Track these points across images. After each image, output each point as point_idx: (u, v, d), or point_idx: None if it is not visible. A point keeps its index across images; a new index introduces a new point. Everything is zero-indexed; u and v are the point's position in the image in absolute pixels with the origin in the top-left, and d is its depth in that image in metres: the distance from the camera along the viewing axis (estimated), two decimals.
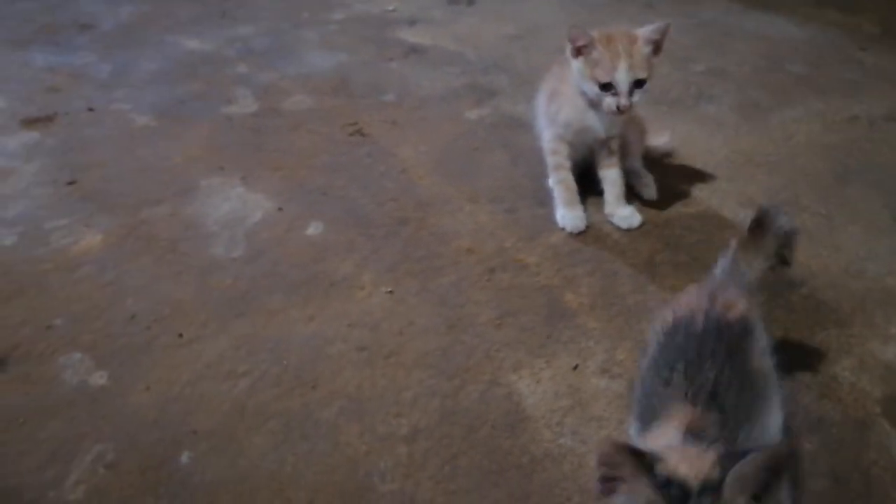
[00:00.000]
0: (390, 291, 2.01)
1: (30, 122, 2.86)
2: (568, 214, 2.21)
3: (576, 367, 1.75)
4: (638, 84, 2.02)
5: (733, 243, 1.59)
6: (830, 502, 1.47)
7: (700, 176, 2.49)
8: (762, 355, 1.41)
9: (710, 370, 1.28)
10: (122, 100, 3.04)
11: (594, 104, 2.12)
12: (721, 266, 1.59)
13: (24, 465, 1.60)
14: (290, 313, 1.93)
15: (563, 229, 2.21)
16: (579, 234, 2.20)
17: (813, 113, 2.90)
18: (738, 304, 1.40)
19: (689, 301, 1.43)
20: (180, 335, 1.86)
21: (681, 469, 1.01)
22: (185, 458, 1.60)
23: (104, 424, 1.68)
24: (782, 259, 1.59)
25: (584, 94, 2.11)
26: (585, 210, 2.27)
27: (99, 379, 1.77)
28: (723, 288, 1.45)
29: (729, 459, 1.03)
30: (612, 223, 2.25)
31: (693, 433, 1.20)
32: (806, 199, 2.37)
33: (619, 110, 2.03)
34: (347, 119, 2.88)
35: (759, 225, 1.58)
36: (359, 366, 1.78)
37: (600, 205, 2.30)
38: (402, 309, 1.95)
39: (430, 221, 2.30)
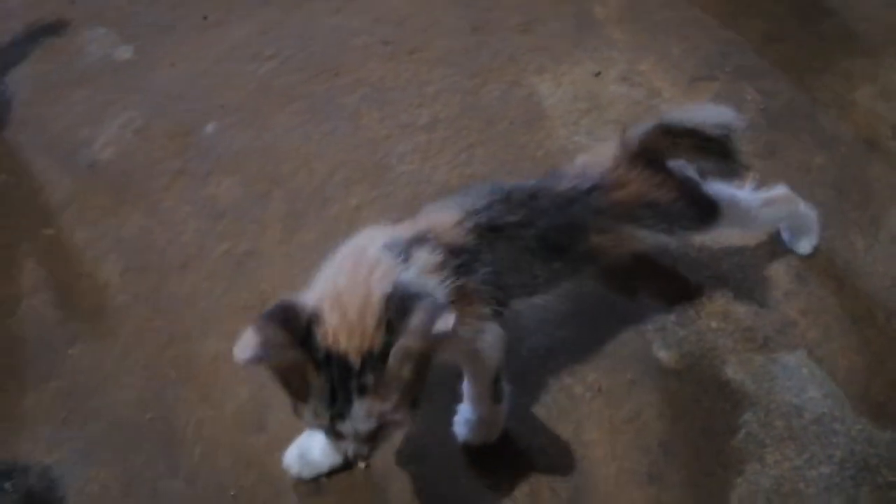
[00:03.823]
0: None
1: None
2: None
3: (598, 74, 1.78)
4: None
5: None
6: (832, 210, 1.55)
7: None
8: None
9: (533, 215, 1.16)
10: None
11: None
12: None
13: (58, 125, 1.71)
14: (317, 3, 1.95)
15: None
16: None
17: None
18: (634, 187, 1.24)
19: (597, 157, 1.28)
20: (205, 17, 1.90)
21: (341, 340, 0.94)
22: (211, 127, 1.69)
23: (131, 94, 1.76)
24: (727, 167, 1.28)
25: None
26: None
27: (124, 53, 1.84)
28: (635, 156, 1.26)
29: (399, 308, 0.94)
30: None
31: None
32: None
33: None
34: None
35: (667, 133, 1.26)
36: (383, 58, 1.82)
37: None
38: (427, 8, 1.96)
39: None
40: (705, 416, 1.29)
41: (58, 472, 1.29)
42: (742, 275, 1.47)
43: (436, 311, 0.93)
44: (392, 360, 0.93)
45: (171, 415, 1.35)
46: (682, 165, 1.30)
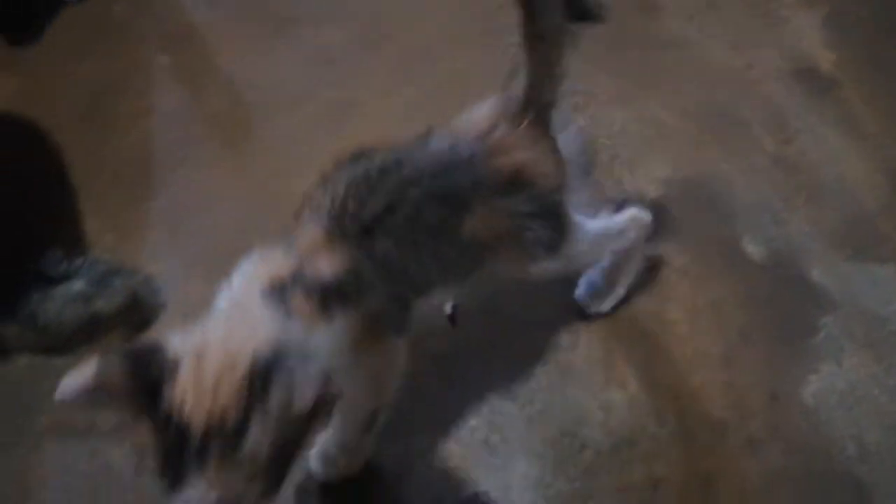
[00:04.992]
0: None
1: None
2: None
3: None
4: None
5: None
6: None
7: None
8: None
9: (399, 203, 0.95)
10: None
11: None
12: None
13: None
14: None
15: None
16: None
17: None
18: (519, 154, 1.03)
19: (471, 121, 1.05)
20: None
21: (187, 403, 0.76)
22: None
23: None
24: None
25: None
26: None
27: None
28: (515, 117, 1.04)
29: (262, 379, 0.77)
30: None
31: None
32: None
33: None
34: None
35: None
36: None
37: None
38: None
39: None
40: (787, 312, 1.30)
41: (160, 282, 1.36)
42: (839, 185, 1.46)
43: (296, 385, 0.77)
44: (250, 442, 0.75)
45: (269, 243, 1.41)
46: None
